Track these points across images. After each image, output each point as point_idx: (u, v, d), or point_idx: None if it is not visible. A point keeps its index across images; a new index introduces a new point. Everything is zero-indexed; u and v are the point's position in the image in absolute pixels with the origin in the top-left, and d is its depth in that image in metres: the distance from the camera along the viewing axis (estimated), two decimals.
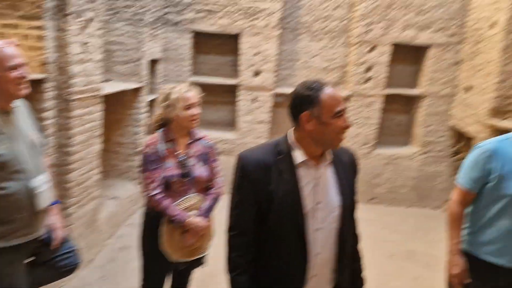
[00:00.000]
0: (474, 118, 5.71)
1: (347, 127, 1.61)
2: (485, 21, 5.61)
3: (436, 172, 6.74)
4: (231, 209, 1.76)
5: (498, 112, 5.25)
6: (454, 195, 2.46)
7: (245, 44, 6.38)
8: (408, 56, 6.74)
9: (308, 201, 1.66)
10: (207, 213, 2.73)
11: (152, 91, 5.99)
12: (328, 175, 1.73)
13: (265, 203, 1.65)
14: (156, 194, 2.60)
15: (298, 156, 1.68)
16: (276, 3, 6.22)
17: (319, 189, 1.69)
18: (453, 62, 6.42)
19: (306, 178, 1.68)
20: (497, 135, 5.27)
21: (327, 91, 1.60)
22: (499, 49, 5.16)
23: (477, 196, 2.39)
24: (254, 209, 1.68)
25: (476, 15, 5.91)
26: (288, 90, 6.64)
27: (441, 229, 6.19)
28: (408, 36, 6.36)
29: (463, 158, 6.60)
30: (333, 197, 1.71)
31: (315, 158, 1.70)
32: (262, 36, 6.33)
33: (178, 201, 2.65)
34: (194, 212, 2.69)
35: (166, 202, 2.60)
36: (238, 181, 1.72)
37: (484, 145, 2.37)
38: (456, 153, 6.68)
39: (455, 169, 6.68)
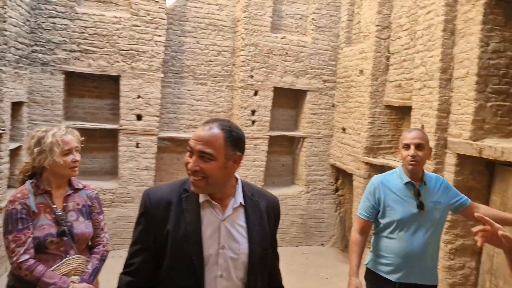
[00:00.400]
0: (351, 156, 6.15)
1: (189, 169, 1.49)
2: (353, 69, 6.20)
3: (321, 209, 7.03)
4: (130, 245, 1.61)
5: (371, 150, 5.72)
6: (354, 224, 2.74)
7: (126, 87, 6.02)
8: (289, 100, 7.11)
9: (209, 244, 1.51)
10: (92, 276, 2.29)
11: (15, 137, 5.21)
12: (236, 218, 1.58)
13: (164, 243, 1.51)
14: (27, 259, 2.10)
15: (202, 195, 1.55)
16: (158, 46, 6.07)
17: (223, 233, 1.54)
18: (328, 106, 6.94)
19: (209, 220, 1.53)
20: (372, 171, 5.75)
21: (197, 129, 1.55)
22: (367, 93, 5.70)
23: (375, 223, 2.68)
24: (151, 248, 1.54)
25: (345, 63, 6.53)
26: (174, 134, 6.41)
27: (330, 264, 6.42)
28: (288, 81, 6.71)
29: (343, 195, 7.06)
30: (240, 243, 1.55)
31: (221, 199, 1.56)
32: (144, 79, 6.06)
33: (55, 266, 2.18)
34: (76, 277, 2.23)
35: (40, 268, 2.11)
36: (138, 218, 1.59)
37: (374, 179, 2.69)
38: (337, 189, 7.09)
39: (338, 205, 7.06)
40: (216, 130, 1.47)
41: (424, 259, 2.54)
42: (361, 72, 5.94)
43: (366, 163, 5.76)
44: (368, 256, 2.76)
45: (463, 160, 4.09)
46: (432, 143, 4.32)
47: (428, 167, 4.36)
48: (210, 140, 1.45)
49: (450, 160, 4.22)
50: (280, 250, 1.78)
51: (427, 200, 2.53)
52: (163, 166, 6.51)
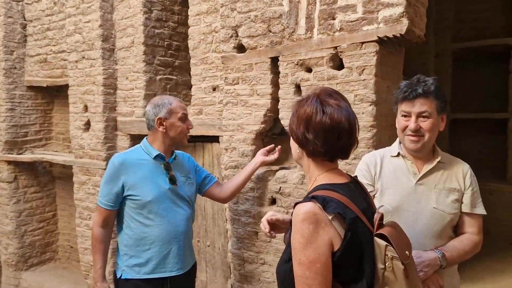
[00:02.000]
0: None
1: None
2: None
3: None
4: None
5: (14, 144, 4.41)
6: (95, 217, 2.24)
7: None
8: None
9: None
10: None
11: None
12: None
13: None
14: None
15: None
16: None
17: None
18: None
19: None
20: (19, 172, 4.48)
21: None
22: (1, 71, 4.34)
23: (121, 216, 2.22)
24: None
25: None
26: None
27: None
28: None
29: None
30: None
31: None
32: None
33: None
34: None
35: None
36: None
37: (115, 158, 2.20)
38: None
39: None
40: None
41: (188, 238, 2.30)
42: None
43: (10, 162, 4.41)
44: (117, 266, 2.24)
45: (138, 141, 3.65)
46: (100, 125, 3.66)
47: (100, 155, 3.67)
48: None
49: (123, 143, 3.69)
50: None
51: (178, 174, 2.27)
52: None
